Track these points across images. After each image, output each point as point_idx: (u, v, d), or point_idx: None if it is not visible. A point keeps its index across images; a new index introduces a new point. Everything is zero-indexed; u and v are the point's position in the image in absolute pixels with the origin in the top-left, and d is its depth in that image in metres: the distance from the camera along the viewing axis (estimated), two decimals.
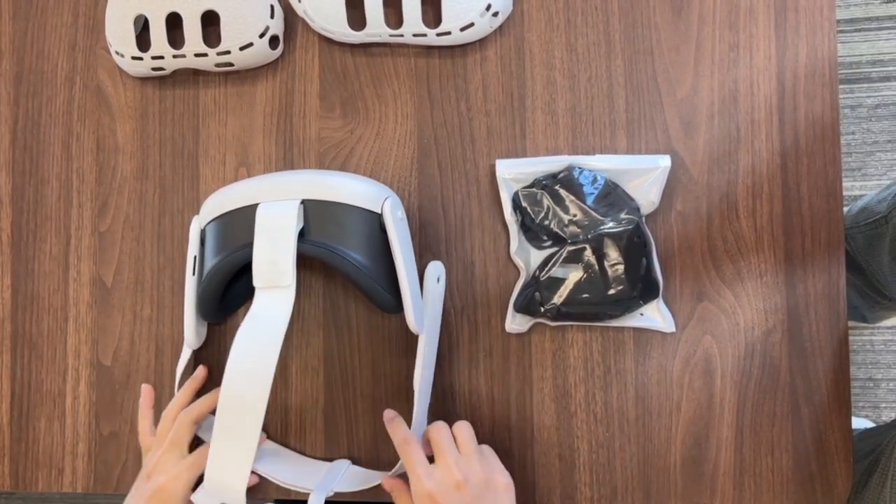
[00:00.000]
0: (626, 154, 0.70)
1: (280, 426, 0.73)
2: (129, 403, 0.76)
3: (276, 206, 0.62)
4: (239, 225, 0.63)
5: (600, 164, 0.68)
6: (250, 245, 0.62)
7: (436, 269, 0.68)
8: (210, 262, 0.65)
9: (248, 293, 0.71)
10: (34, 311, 0.78)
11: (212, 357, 0.75)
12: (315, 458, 0.73)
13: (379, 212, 0.63)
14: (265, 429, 0.73)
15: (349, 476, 0.68)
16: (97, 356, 0.77)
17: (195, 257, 0.68)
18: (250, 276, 0.63)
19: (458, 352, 0.71)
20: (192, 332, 0.69)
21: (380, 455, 0.72)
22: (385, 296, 0.63)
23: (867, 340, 1.42)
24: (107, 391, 0.76)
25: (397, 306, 0.64)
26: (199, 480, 0.66)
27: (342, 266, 0.61)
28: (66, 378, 0.77)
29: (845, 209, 0.84)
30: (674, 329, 0.68)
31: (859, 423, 1.38)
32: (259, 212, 0.62)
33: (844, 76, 1.44)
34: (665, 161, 0.67)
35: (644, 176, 0.67)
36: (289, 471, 0.70)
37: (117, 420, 0.76)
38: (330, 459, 0.72)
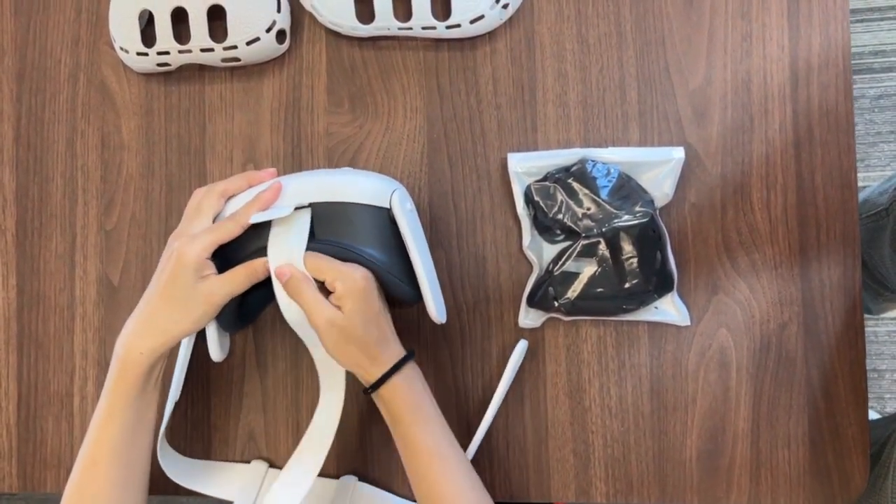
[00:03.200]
0: (638, 146, 0.69)
1: (291, 424, 0.73)
2: None
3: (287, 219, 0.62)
4: (249, 233, 0.62)
5: (613, 157, 0.67)
6: (259, 251, 0.61)
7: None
8: (222, 271, 0.63)
9: (265, 299, 0.69)
10: (40, 310, 0.77)
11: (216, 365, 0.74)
12: (322, 474, 0.72)
13: (388, 206, 0.63)
14: (277, 435, 0.73)
15: (356, 500, 0.67)
16: (105, 356, 0.76)
17: None
18: (266, 282, 0.63)
19: (470, 347, 0.71)
20: (215, 345, 0.66)
21: (392, 457, 0.71)
22: (404, 287, 0.63)
23: (871, 331, 1.42)
24: None
25: (417, 296, 0.64)
26: (223, 265, 0.62)
27: (357, 262, 0.60)
28: (74, 378, 0.76)
29: None
30: (689, 322, 0.68)
31: None
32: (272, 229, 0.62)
33: None
34: (679, 153, 0.67)
35: (658, 168, 0.67)
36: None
37: None
38: (336, 476, 0.72)
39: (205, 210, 0.63)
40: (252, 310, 0.68)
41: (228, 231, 0.61)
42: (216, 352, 0.66)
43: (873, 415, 1.42)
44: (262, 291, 0.66)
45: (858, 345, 0.67)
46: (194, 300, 0.60)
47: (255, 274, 0.61)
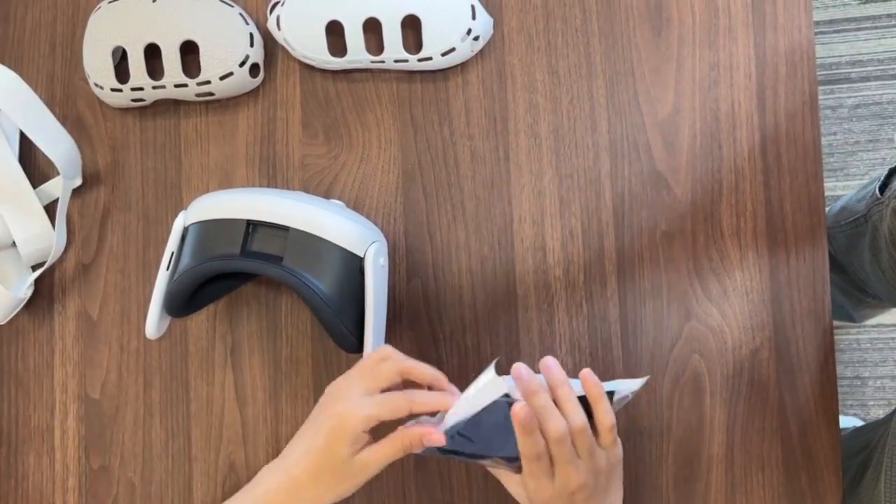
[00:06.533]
0: (609, 176, 0.70)
1: (272, 455, 0.73)
2: (118, 436, 0.75)
3: None
4: (223, 235, 0.63)
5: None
6: (229, 256, 0.62)
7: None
8: (186, 263, 0.64)
9: (214, 295, 0.70)
10: (19, 345, 0.77)
11: (164, 350, 0.75)
12: None
13: (362, 255, 0.63)
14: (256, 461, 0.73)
15: None
16: (85, 389, 0.76)
17: (172, 253, 0.67)
18: (220, 279, 0.67)
19: (447, 377, 0.71)
20: (153, 325, 0.67)
21: (372, 483, 0.72)
22: (349, 337, 0.63)
23: (853, 339, 1.43)
24: (96, 424, 0.76)
25: (357, 347, 0.64)
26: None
27: (310, 299, 0.61)
28: (55, 412, 0.76)
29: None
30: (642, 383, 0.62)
31: (848, 421, 1.39)
32: None
33: (824, 77, 1.45)
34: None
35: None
36: None
37: (107, 453, 0.75)
38: None
39: (381, 377, 0.57)
40: (203, 300, 0.69)
41: (396, 409, 0.55)
42: (153, 330, 0.67)
43: (857, 421, 1.43)
44: (213, 286, 0.68)
45: (829, 367, 0.68)
46: (346, 473, 0.56)
47: (412, 446, 0.55)
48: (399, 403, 0.55)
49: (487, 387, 0.54)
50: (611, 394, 0.59)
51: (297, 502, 0.57)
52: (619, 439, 0.58)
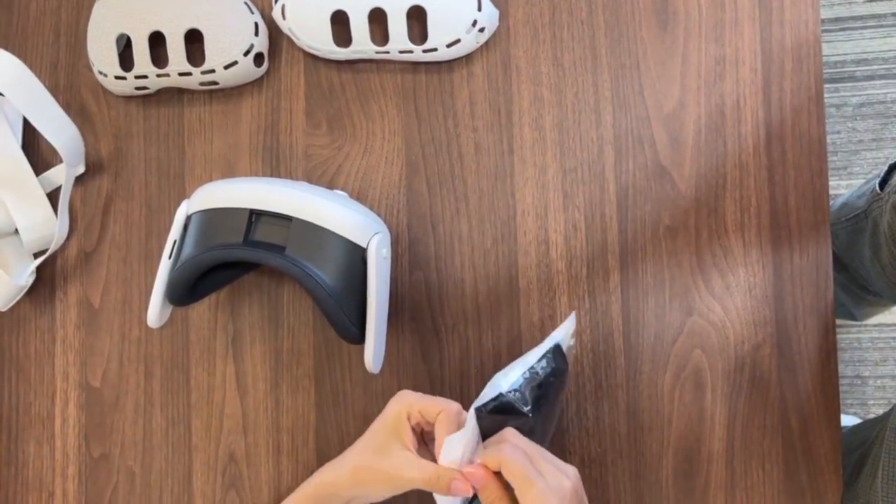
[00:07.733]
0: (614, 170, 0.70)
1: (272, 445, 0.73)
2: (118, 425, 0.75)
3: None
4: (225, 224, 0.63)
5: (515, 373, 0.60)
6: (232, 245, 0.62)
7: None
8: (188, 252, 0.64)
9: (217, 284, 0.70)
10: (20, 333, 0.77)
11: (165, 339, 0.75)
12: None
13: (364, 246, 0.63)
14: (257, 450, 0.73)
15: None
16: (86, 378, 0.76)
17: (175, 241, 0.67)
18: (222, 268, 0.66)
19: (448, 369, 0.71)
20: (155, 314, 0.66)
21: None
22: (351, 328, 0.63)
23: (854, 338, 1.43)
24: (96, 413, 0.76)
25: (359, 338, 0.64)
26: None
27: (313, 289, 0.61)
28: (55, 400, 0.76)
29: None
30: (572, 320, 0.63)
31: (849, 420, 1.39)
32: None
33: (829, 75, 1.45)
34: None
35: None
36: None
37: (107, 442, 0.75)
38: None
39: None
40: (205, 289, 0.69)
41: (441, 405, 0.57)
42: (154, 319, 0.67)
43: (857, 420, 1.43)
44: (215, 275, 0.68)
45: (831, 365, 0.68)
46: (379, 462, 0.57)
47: (438, 481, 0.55)
48: (444, 404, 0.57)
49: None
50: (558, 347, 0.61)
51: (335, 464, 0.61)
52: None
